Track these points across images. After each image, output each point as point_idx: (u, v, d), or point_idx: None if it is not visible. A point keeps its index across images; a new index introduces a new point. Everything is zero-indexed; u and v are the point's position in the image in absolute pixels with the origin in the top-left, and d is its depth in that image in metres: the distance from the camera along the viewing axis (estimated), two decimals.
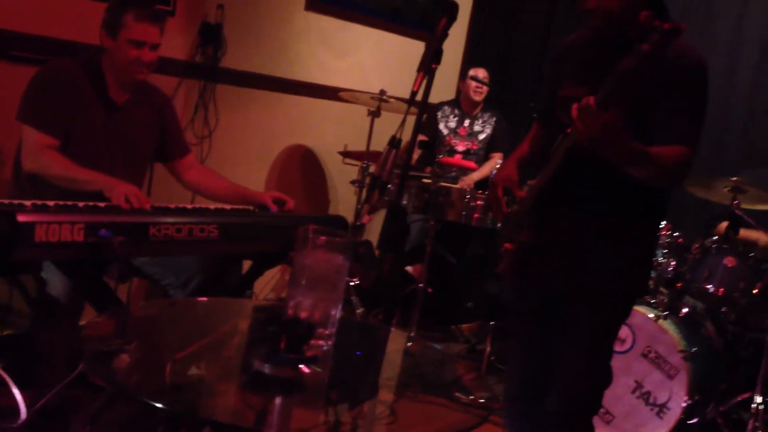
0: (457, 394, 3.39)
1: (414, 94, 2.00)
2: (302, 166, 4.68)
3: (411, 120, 2.14)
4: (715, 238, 3.71)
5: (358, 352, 2.18)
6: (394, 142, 1.91)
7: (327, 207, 4.83)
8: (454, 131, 4.87)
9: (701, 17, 4.68)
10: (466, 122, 4.89)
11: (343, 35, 4.68)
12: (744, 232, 3.77)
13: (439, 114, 4.92)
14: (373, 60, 4.86)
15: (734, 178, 3.54)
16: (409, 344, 3.16)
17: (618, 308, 2.26)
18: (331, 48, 4.61)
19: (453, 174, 4.68)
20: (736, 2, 4.53)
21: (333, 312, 1.68)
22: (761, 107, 4.43)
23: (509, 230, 2.31)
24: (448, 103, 5.00)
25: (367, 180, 4.01)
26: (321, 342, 1.66)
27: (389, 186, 2.00)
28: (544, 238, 2.20)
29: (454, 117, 4.90)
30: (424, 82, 1.99)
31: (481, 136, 4.87)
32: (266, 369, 1.60)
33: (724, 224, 4.07)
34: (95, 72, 2.80)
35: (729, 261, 3.51)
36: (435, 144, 4.77)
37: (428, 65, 1.95)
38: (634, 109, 2.06)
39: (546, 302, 2.31)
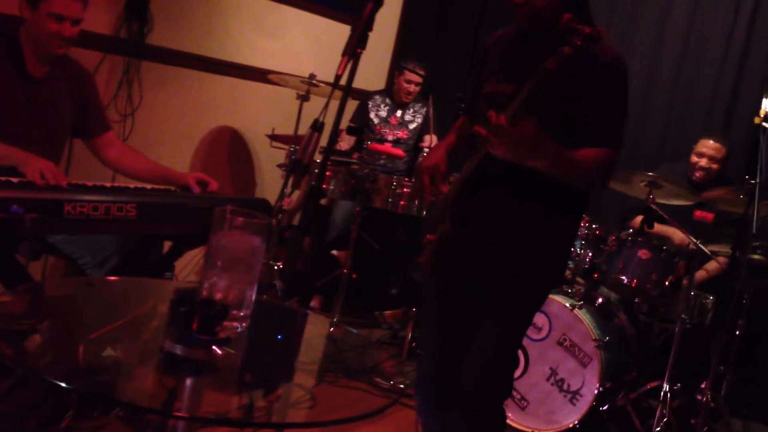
0: (377, 380, 3.44)
1: (338, 78, 2.00)
2: (229, 148, 4.62)
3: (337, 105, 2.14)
4: (630, 231, 3.84)
5: (279, 336, 2.18)
6: (317, 125, 1.91)
7: (253, 190, 4.79)
8: (384, 120, 4.88)
9: (626, 17, 4.81)
10: (398, 112, 4.90)
11: (275, 17, 4.63)
12: (659, 227, 3.91)
13: (370, 103, 4.92)
14: (305, 43, 4.83)
15: (650, 174, 3.65)
16: (332, 329, 3.17)
17: (535, 296, 2.31)
18: (262, 29, 4.56)
19: (381, 161, 4.70)
20: (658, 4, 4.66)
21: (248, 294, 1.67)
22: (679, 105, 4.59)
23: (433, 221, 2.34)
24: (380, 92, 5.00)
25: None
26: (235, 324, 1.65)
27: (312, 170, 1.99)
28: (465, 229, 2.24)
29: (385, 106, 4.91)
30: (349, 66, 1.99)
31: (412, 126, 4.89)
32: (178, 350, 1.59)
33: (639, 218, 4.21)
34: (11, 43, 2.70)
35: (643, 253, 3.63)
36: (364, 131, 4.78)
37: (353, 50, 1.95)
38: (559, 110, 2.10)
39: (464, 290, 2.35)
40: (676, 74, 4.60)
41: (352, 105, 4.80)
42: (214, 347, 1.60)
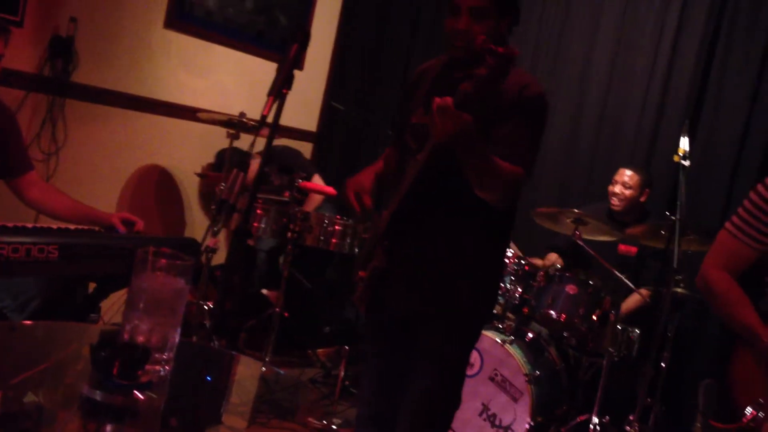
0: (310, 420, 3.39)
1: (264, 118, 1.99)
2: (157, 187, 4.55)
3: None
4: (558, 267, 3.91)
5: (208, 378, 2.13)
6: (241, 165, 1.90)
7: (183, 229, 4.71)
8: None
9: (550, 60, 4.95)
10: None
11: (204, 55, 4.62)
12: (534, 261, 4.07)
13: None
14: (235, 81, 4.81)
15: (576, 210, 3.74)
16: (263, 369, 3.11)
17: (467, 332, 2.32)
18: (191, 68, 4.53)
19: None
20: (584, 41, 4.82)
21: (171, 336, 1.63)
22: (604, 145, 4.71)
23: (364, 257, 2.34)
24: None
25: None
26: (158, 367, 1.61)
27: (238, 209, 1.98)
28: (395, 264, 2.24)
29: None
30: (275, 106, 1.99)
31: None
32: (97, 396, 1.53)
33: (552, 255, 4.32)
34: None
35: (571, 289, 3.71)
36: (296, 169, 4.77)
37: (279, 90, 1.95)
38: (484, 131, 2.13)
39: (398, 328, 2.35)
40: (600, 115, 4.73)
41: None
42: (135, 392, 1.55)
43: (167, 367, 1.64)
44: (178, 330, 1.65)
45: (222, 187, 3.94)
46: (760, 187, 2.09)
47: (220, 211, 1.88)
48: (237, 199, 1.90)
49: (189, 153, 4.58)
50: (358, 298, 2.31)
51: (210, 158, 4.45)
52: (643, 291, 3.91)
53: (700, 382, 3.77)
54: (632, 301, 3.95)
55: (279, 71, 2.01)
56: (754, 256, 2.10)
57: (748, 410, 1.97)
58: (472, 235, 2.22)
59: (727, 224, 2.16)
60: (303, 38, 2.03)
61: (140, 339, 1.59)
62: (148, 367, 1.57)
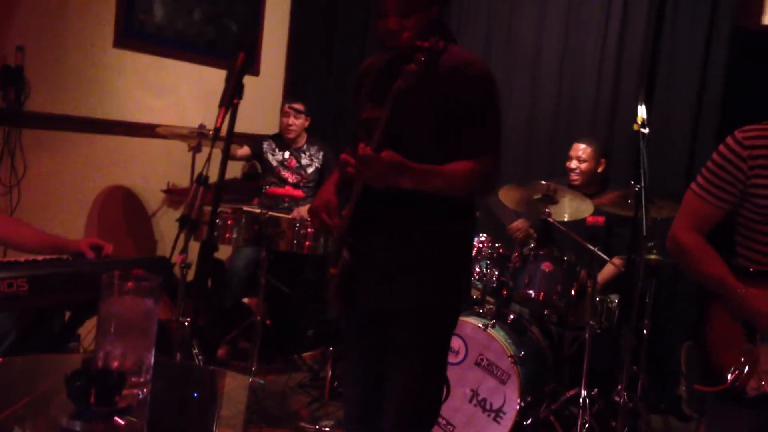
0: (302, 424, 3.39)
1: (218, 130, 1.98)
2: (124, 208, 4.51)
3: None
4: (532, 246, 3.93)
5: (195, 394, 2.12)
6: (200, 179, 1.89)
7: (154, 247, 4.68)
8: (282, 163, 4.88)
9: (503, 46, 4.97)
10: (293, 155, 4.91)
11: (158, 71, 4.58)
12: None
13: (265, 145, 4.91)
14: (192, 94, 4.78)
15: (544, 182, 3.77)
16: (251, 379, 3.10)
17: (441, 323, 2.32)
18: (145, 84, 4.49)
19: (285, 204, 4.68)
20: (534, 19, 4.84)
21: (146, 358, 1.62)
22: (563, 124, 4.75)
23: (333, 255, 2.34)
24: (273, 136, 5.00)
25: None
26: (135, 390, 1.60)
27: (201, 224, 1.97)
28: (362, 260, 2.24)
29: (279, 150, 4.91)
30: (228, 117, 1.98)
31: (309, 170, 4.89)
32: (77, 426, 1.52)
33: (524, 222, 4.36)
34: None
35: (546, 266, 3.73)
36: (263, 176, 4.76)
37: (230, 101, 1.94)
38: (429, 125, 2.14)
39: (374, 323, 2.35)
40: (557, 93, 4.77)
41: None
42: (115, 418, 1.54)
43: (145, 390, 1.63)
44: (152, 351, 1.63)
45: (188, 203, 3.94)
46: (721, 147, 2.12)
47: (183, 227, 1.86)
48: (200, 213, 1.89)
49: (153, 170, 4.54)
50: (331, 296, 2.31)
51: (174, 173, 4.41)
52: (617, 260, 3.95)
53: (680, 345, 3.84)
54: (607, 271, 3.99)
55: (228, 81, 1.99)
56: (720, 214, 2.12)
57: (731, 373, 1.99)
58: (433, 225, 2.22)
59: (693, 185, 2.18)
60: (248, 47, 2.02)
61: (114, 364, 1.57)
62: (125, 391, 1.55)
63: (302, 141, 4.92)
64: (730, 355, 2.02)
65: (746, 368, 1.98)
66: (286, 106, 4.84)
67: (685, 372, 3.76)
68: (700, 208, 2.13)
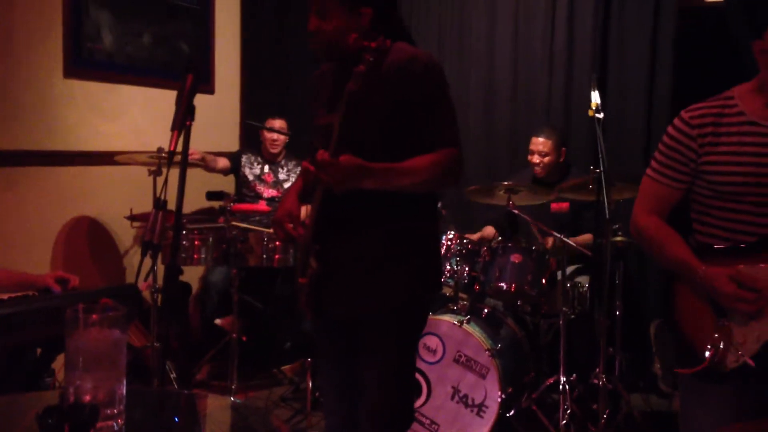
0: None
1: (172, 153, 1.98)
2: (89, 238, 4.46)
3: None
4: (500, 239, 3.97)
5: (176, 418, 2.11)
6: (158, 204, 1.89)
7: (123, 275, 4.64)
8: (259, 178, 4.88)
9: (455, 41, 5.00)
10: (271, 169, 4.91)
11: (113, 97, 4.54)
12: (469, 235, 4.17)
13: (243, 159, 4.92)
14: (148, 118, 4.75)
15: (506, 183, 3.81)
16: (232, 398, 3.08)
17: (410, 324, 2.33)
18: (101, 112, 4.46)
19: (257, 218, 4.66)
20: (484, 16, 4.89)
21: (118, 389, 1.61)
22: (522, 114, 4.80)
23: (300, 265, 2.34)
24: (251, 150, 5.01)
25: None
26: (110, 422, 1.59)
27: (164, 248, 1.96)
28: (329, 267, 2.24)
29: (257, 164, 4.91)
30: (182, 139, 1.97)
31: (286, 184, 4.90)
32: None
33: (489, 228, 4.40)
34: None
35: (515, 258, 3.76)
36: (227, 194, 4.74)
37: (182, 123, 1.94)
38: (386, 124, 2.15)
39: (345, 330, 2.35)
40: (512, 85, 4.82)
41: (201, 175, 4.75)
42: None
43: (120, 421, 1.62)
44: (124, 381, 1.62)
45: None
46: (670, 129, 2.15)
47: (146, 253, 1.86)
48: (162, 238, 1.88)
49: (115, 198, 4.50)
50: (303, 306, 2.32)
51: (135, 200, 4.37)
52: (587, 235, 4.01)
53: (647, 325, 3.90)
54: (582, 238, 4.04)
55: (178, 104, 1.99)
56: (678, 195, 2.15)
57: (708, 351, 2.01)
58: (396, 223, 2.22)
59: (648, 170, 2.21)
60: (196, 68, 2.01)
61: (86, 398, 1.56)
62: (99, 424, 1.54)
63: (281, 156, 4.93)
64: (703, 334, 2.05)
65: (722, 344, 2.00)
66: (269, 119, 4.88)
67: (656, 350, 3.82)
68: (657, 190, 2.17)
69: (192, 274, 4.99)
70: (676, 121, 2.13)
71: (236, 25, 5.50)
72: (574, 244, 3.74)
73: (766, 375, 1.99)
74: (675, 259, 2.09)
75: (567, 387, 3.63)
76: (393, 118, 2.14)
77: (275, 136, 4.83)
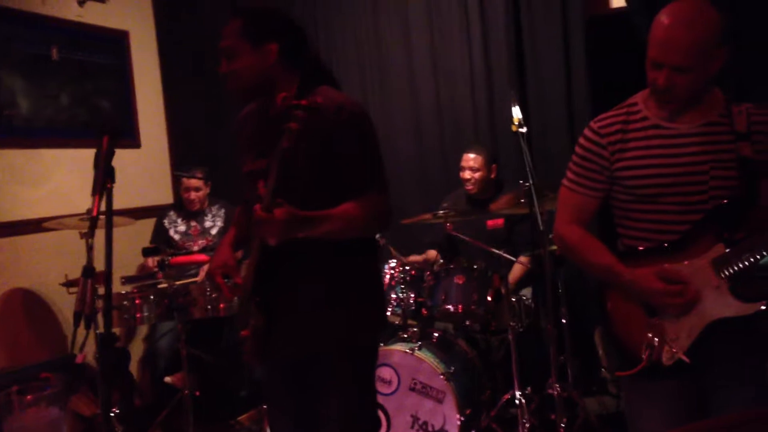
0: None
1: (95, 219, 1.94)
2: (25, 310, 4.33)
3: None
4: (441, 262, 3.99)
5: None
6: (86, 272, 1.85)
7: (65, 344, 4.51)
8: (185, 234, 4.82)
9: (376, 72, 5.05)
10: (195, 222, 4.85)
11: (35, 163, 4.45)
12: (414, 258, 4.23)
13: (166, 221, 4.84)
14: (74, 180, 4.65)
15: (440, 213, 3.85)
16: None
17: (357, 359, 2.32)
18: (24, 180, 4.36)
19: (192, 272, 4.60)
20: (401, 45, 4.95)
21: None
22: (449, 134, 4.86)
23: (241, 317, 2.32)
24: (172, 207, 4.93)
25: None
26: None
27: (97, 316, 1.92)
28: (272, 316, 2.23)
29: (182, 221, 4.84)
30: (103, 202, 1.94)
31: (214, 231, 4.85)
32: None
33: (432, 252, 4.43)
34: None
35: (459, 279, 3.79)
36: (163, 249, 4.67)
37: (102, 186, 1.91)
38: (319, 175, 2.17)
39: (296, 371, 2.34)
40: (437, 110, 4.88)
41: (136, 231, 4.65)
42: None
43: None
44: None
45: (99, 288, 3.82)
46: (581, 140, 2.21)
47: (78, 324, 1.82)
48: (93, 306, 1.84)
49: (48, 266, 4.39)
50: (248, 357, 2.30)
51: (70, 265, 4.28)
52: (523, 258, 4.05)
53: (594, 329, 3.96)
54: (517, 270, 4.08)
55: (96, 168, 1.96)
56: (596, 203, 2.21)
57: (644, 351, 2.06)
58: (332, 266, 2.24)
59: (564, 180, 2.26)
60: (112, 128, 1.99)
61: None
62: None
63: (204, 204, 4.88)
64: (638, 335, 2.09)
65: (656, 341, 2.06)
66: (184, 180, 4.80)
67: (602, 354, 3.87)
68: (575, 201, 2.22)
69: (138, 335, 4.90)
70: (586, 131, 2.19)
71: (156, 76, 5.46)
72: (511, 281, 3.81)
73: (702, 369, 2.04)
74: (600, 266, 2.14)
75: (523, 400, 3.65)
76: (320, 166, 2.16)
77: (192, 195, 4.78)
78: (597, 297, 2.20)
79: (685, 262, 2.04)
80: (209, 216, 4.87)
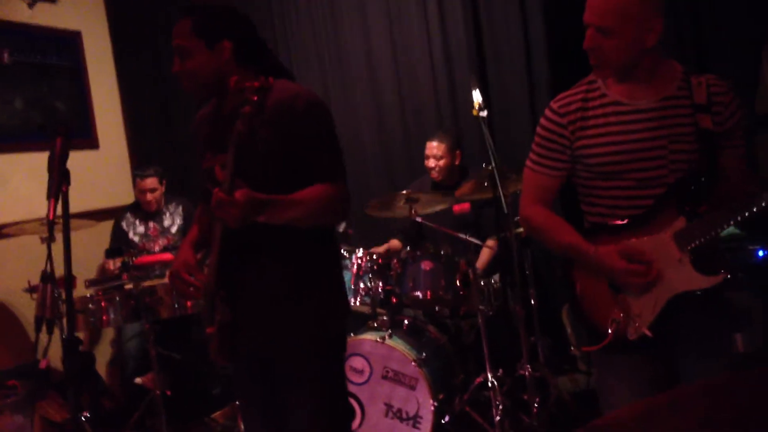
0: None
1: (52, 222, 1.91)
2: None
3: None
4: (407, 249, 3.99)
5: None
6: (45, 277, 1.82)
7: (32, 350, 4.43)
8: (145, 235, 4.76)
9: (335, 62, 5.03)
10: (153, 223, 4.79)
11: None
12: (378, 249, 4.20)
13: (124, 223, 4.78)
14: (32, 184, 4.56)
15: (405, 192, 3.84)
16: None
17: (326, 352, 2.31)
18: None
19: (157, 272, 4.55)
20: (359, 32, 4.93)
21: None
22: (412, 123, 4.86)
23: (207, 314, 2.30)
24: (129, 208, 4.87)
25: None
26: None
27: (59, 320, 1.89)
28: (237, 311, 2.22)
29: (140, 222, 4.78)
30: (60, 205, 1.91)
31: (173, 229, 4.80)
32: None
33: (394, 241, 4.43)
34: None
35: (426, 265, 3.79)
36: (125, 250, 4.61)
37: (57, 190, 1.87)
38: (276, 160, 2.15)
39: (264, 366, 2.32)
40: (399, 97, 4.87)
41: (98, 233, 4.59)
42: None
43: None
44: None
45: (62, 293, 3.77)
46: (542, 120, 2.22)
47: (40, 329, 1.78)
48: (53, 312, 1.81)
49: (10, 272, 4.32)
50: (214, 354, 2.28)
51: (33, 270, 4.20)
52: (490, 242, 4.07)
53: (563, 306, 4.00)
54: (485, 255, 4.10)
55: (51, 171, 1.92)
56: (559, 183, 2.22)
57: (610, 326, 2.08)
58: (294, 259, 2.23)
59: (528, 162, 2.27)
60: (65, 130, 1.95)
61: None
62: None
63: (161, 204, 4.82)
64: (604, 311, 2.12)
65: (621, 317, 2.08)
66: (138, 182, 4.73)
67: (570, 332, 3.92)
68: (538, 181, 2.23)
69: (105, 337, 4.84)
70: (546, 112, 2.20)
71: (112, 76, 5.38)
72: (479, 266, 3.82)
73: (670, 342, 2.06)
74: (565, 244, 2.16)
75: (496, 383, 3.67)
76: (280, 154, 2.15)
77: (148, 196, 4.72)
78: (563, 274, 2.21)
79: (647, 237, 2.06)
80: (167, 215, 4.82)
